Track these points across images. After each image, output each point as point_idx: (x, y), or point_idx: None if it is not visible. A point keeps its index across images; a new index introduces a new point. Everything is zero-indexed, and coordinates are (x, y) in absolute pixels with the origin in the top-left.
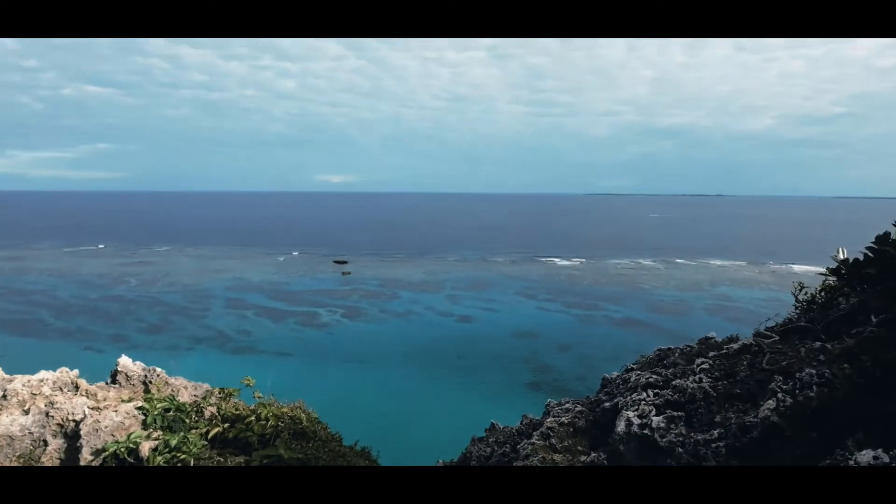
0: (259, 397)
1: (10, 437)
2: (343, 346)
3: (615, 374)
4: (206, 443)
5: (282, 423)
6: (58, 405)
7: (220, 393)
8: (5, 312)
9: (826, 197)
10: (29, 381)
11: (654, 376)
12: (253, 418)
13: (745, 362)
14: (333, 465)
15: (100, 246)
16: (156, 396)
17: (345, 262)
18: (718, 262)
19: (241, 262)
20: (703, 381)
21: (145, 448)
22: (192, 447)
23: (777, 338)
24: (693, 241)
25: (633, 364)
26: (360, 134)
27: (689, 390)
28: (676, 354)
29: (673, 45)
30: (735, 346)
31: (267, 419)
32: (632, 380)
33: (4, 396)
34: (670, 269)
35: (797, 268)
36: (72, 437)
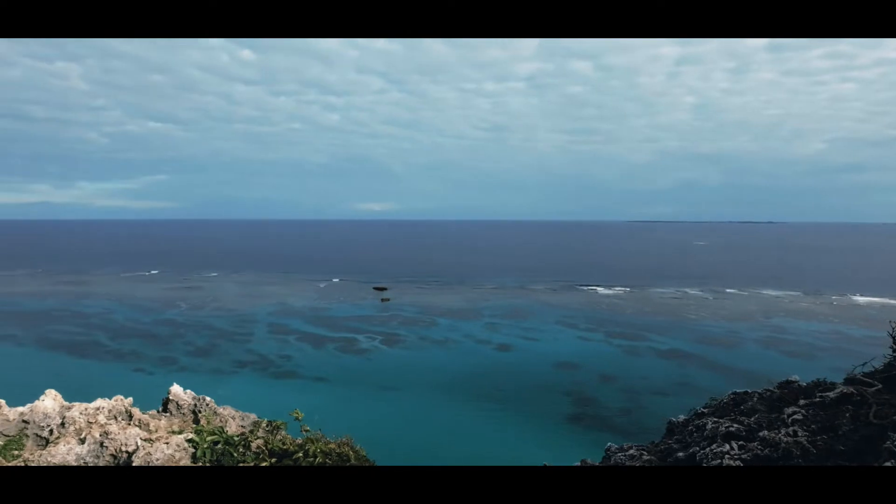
0: (307, 431)
1: (67, 466)
2: (381, 373)
3: (682, 417)
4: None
5: (329, 460)
6: (112, 435)
7: (267, 426)
8: (66, 334)
9: (888, 223)
10: (86, 408)
11: (734, 425)
12: (301, 454)
13: (846, 414)
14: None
15: (153, 271)
16: (205, 429)
17: (384, 289)
18: (772, 293)
19: (283, 287)
20: (799, 434)
21: None
22: None
23: (880, 386)
24: (743, 269)
25: (704, 408)
26: (399, 164)
27: (783, 445)
28: (755, 400)
29: (715, 72)
30: (831, 394)
31: (315, 455)
32: (708, 427)
33: (63, 424)
34: (719, 298)
35: (861, 299)
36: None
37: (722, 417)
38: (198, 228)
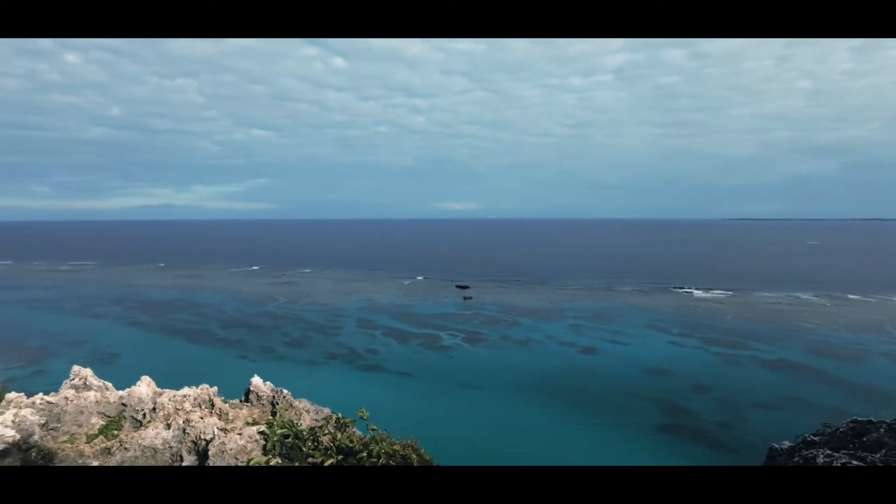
0: (373, 430)
1: (154, 449)
2: (463, 371)
3: (787, 444)
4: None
5: (393, 461)
6: (193, 423)
7: (336, 422)
8: (184, 322)
9: None
10: (174, 395)
11: (853, 462)
12: (364, 454)
13: None
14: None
15: (255, 267)
16: (276, 422)
17: (466, 287)
18: None
19: (370, 284)
20: None
21: None
22: None
23: None
24: (868, 273)
25: (815, 435)
26: (481, 163)
27: None
28: (882, 431)
29: (836, 52)
30: None
31: (378, 456)
32: (818, 461)
33: (154, 409)
34: (839, 305)
35: None
36: (202, 455)
37: (837, 451)
38: (293, 228)
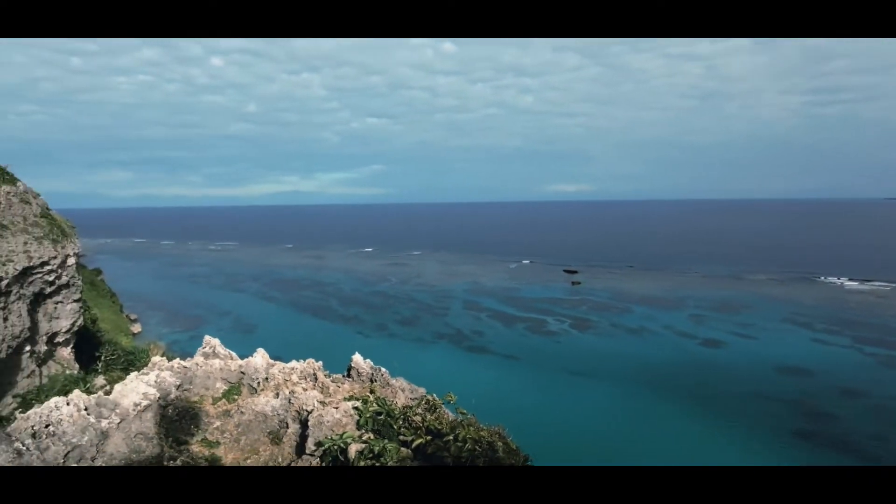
0: (462, 413)
1: (264, 414)
2: (569, 357)
3: None
4: (409, 453)
5: (479, 447)
6: (297, 394)
7: (426, 403)
8: (310, 299)
9: None
10: (283, 367)
11: None
12: (451, 437)
13: None
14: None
15: (369, 249)
16: (370, 399)
17: (575, 272)
18: None
19: (477, 267)
20: None
21: (353, 450)
22: (390, 459)
23: None
24: None
25: None
26: (594, 143)
27: None
28: None
29: None
30: None
31: (465, 441)
32: None
33: (266, 379)
34: None
35: None
36: (304, 424)
37: None
38: (405, 212)
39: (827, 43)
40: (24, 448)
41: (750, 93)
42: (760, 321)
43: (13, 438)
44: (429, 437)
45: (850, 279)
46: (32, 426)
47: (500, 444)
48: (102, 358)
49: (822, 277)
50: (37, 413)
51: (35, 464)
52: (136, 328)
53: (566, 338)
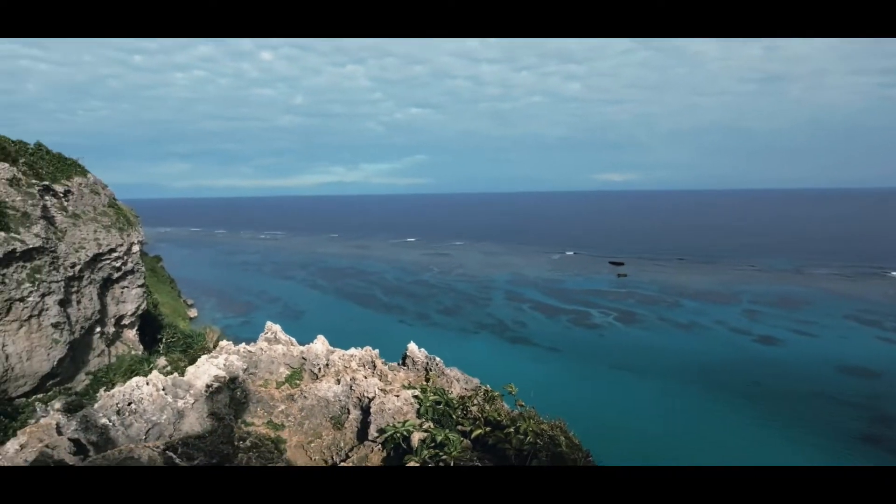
0: (521, 406)
1: (326, 400)
2: (613, 351)
3: None
4: (468, 443)
5: (540, 440)
6: (358, 381)
7: (484, 394)
8: (353, 287)
9: None
10: (343, 354)
11: None
12: (512, 430)
13: None
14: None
15: (411, 239)
16: (430, 388)
17: (620, 264)
18: None
19: (519, 258)
20: None
21: (415, 438)
22: (453, 449)
23: None
24: None
25: None
26: (644, 130)
27: None
28: None
29: None
30: None
31: (526, 434)
32: None
33: (327, 365)
34: None
35: None
36: (365, 411)
37: None
38: (447, 202)
39: None
40: (111, 424)
41: (814, 74)
42: (822, 318)
43: (100, 414)
44: (487, 429)
45: None
46: (117, 403)
47: (562, 438)
48: (163, 340)
49: (893, 273)
50: (120, 391)
51: (120, 440)
52: (193, 313)
53: (611, 331)
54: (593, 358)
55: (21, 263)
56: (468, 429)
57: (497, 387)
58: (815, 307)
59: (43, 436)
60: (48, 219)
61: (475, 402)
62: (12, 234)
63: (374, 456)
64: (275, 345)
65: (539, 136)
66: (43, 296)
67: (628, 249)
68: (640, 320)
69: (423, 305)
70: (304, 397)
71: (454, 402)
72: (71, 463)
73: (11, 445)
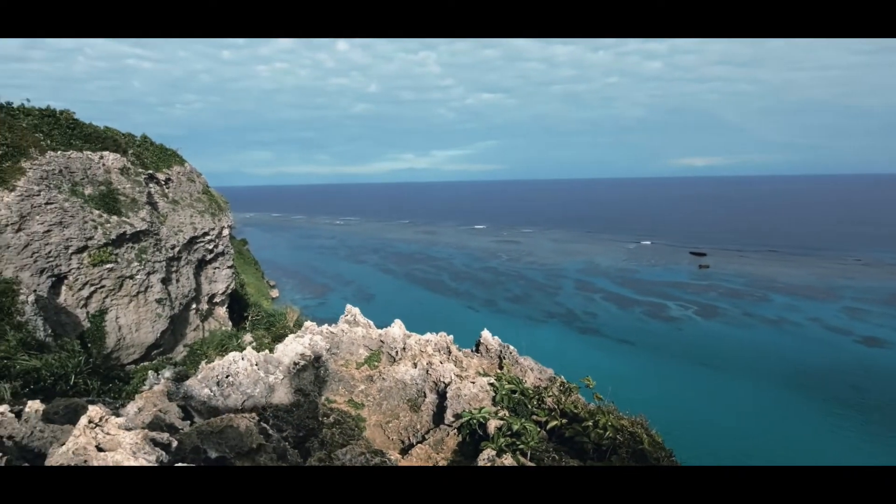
0: (599, 399)
1: (403, 382)
2: (692, 346)
3: None
4: (544, 434)
5: (620, 436)
6: (434, 366)
7: (560, 386)
8: (422, 272)
9: None
10: (419, 339)
11: None
12: (591, 423)
13: None
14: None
15: (480, 226)
16: (505, 376)
17: (703, 255)
18: None
19: (592, 246)
20: None
21: (492, 426)
22: (530, 439)
23: None
24: None
25: None
26: (732, 110)
27: None
28: None
29: None
30: None
31: (605, 428)
32: None
33: (404, 349)
34: None
35: None
36: (441, 396)
37: None
38: (518, 188)
39: None
40: (212, 394)
41: None
42: None
43: (203, 385)
44: (564, 421)
45: None
46: (216, 375)
47: (643, 435)
48: (249, 318)
49: None
50: (220, 364)
51: (220, 409)
52: (275, 293)
53: (690, 325)
54: (670, 353)
55: (130, 244)
56: (543, 419)
57: (570, 378)
58: None
59: (156, 401)
60: (152, 204)
61: (551, 392)
62: (123, 218)
63: (450, 440)
64: (354, 327)
65: (615, 118)
66: (148, 274)
67: (712, 239)
68: (724, 315)
69: (491, 292)
70: (383, 379)
71: (529, 391)
72: (179, 427)
73: (131, 408)
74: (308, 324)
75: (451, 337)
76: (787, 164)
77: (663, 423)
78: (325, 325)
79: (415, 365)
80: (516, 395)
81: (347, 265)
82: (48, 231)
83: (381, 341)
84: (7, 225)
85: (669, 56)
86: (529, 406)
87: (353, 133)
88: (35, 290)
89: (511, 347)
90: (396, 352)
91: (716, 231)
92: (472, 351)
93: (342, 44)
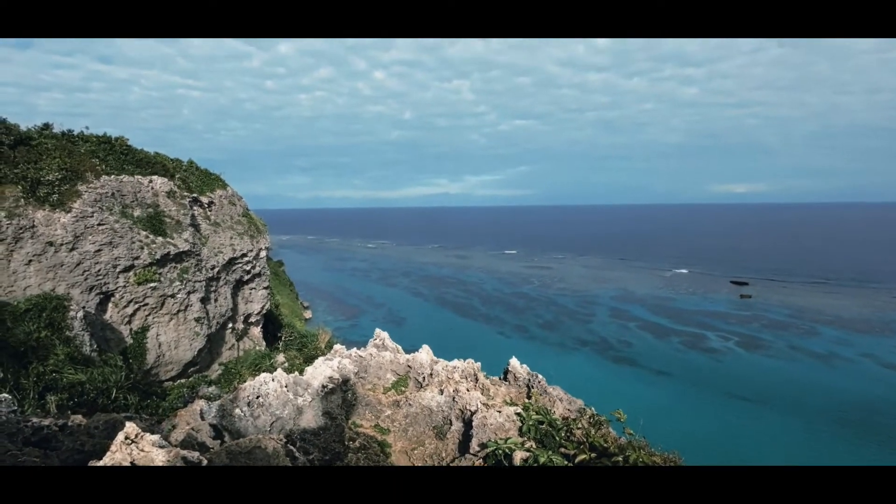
0: (630, 434)
1: (430, 409)
2: (733, 379)
3: None
4: (571, 466)
5: None
6: (461, 393)
7: (590, 418)
8: (453, 297)
9: None
10: (446, 365)
11: None
12: (620, 458)
13: None
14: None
15: (511, 251)
16: (532, 406)
17: (744, 284)
18: None
19: (626, 273)
20: None
21: (517, 457)
22: None
23: None
24: None
25: None
26: (774, 135)
27: None
28: None
29: None
30: None
31: (635, 464)
32: None
33: (431, 375)
34: None
35: None
36: (467, 424)
37: None
38: (551, 214)
39: None
40: (242, 414)
41: None
42: None
43: (234, 405)
44: (593, 455)
45: None
46: (248, 396)
47: None
48: (282, 338)
49: None
50: (251, 385)
51: (249, 430)
52: (308, 314)
53: (731, 357)
54: (708, 385)
55: (174, 265)
56: (571, 452)
57: (601, 409)
58: None
59: (190, 419)
60: (195, 226)
61: (580, 425)
62: (168, 239)
63: None
64: (383, 351)
65: (650, 143)
66: (189, 293)
67: (754, 268)
68: (766, 347)
69: (521, 318)
70: (409, 405)
71: (557, 422)
72: (210, 446)
73: (165, 425)
74: (337, 347)
75: (479, 364)
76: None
77: (698, 460)
78: (354, 349)
79: (441, 392)
80: (544, 425)
81: (379, 288)
82: (98, 250)
83: (409, 366)
84: (62, 244)
85: (707, 81)
86: (557, 438)
87: (388, 159)
88: (84, 307)
89: (540, 376)
90: (423, 377)
91: (757, 259)
92: (500, 379)
93: (379, 72)
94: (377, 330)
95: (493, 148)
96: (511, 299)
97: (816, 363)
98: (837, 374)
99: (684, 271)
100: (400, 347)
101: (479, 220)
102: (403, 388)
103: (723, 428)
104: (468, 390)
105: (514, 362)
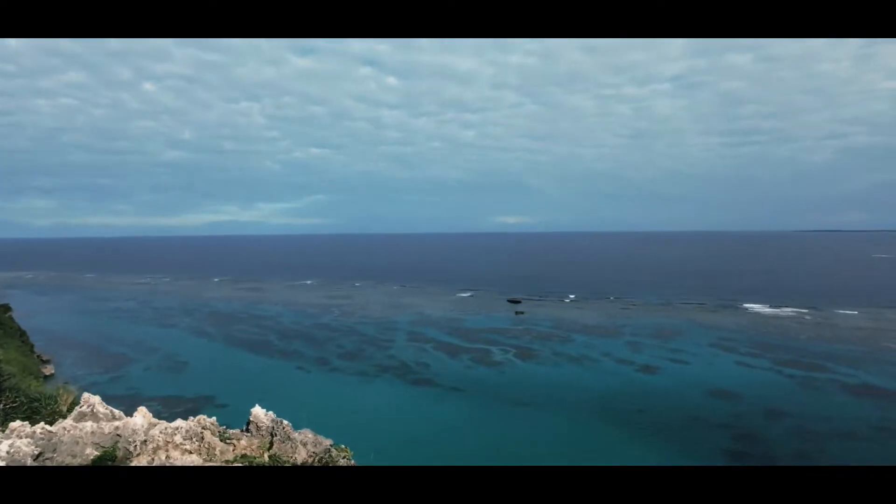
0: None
1: None
2: (514, 388)
3: None
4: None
5: None
6: (173, 459)
7: (319, 462)
8: (246, 333)
9: None
10: (166, 427)
11: None
12: None
13: None
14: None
15: (309, 281)
16: (257, 459)
17: (518, 302)
18: None
19: (422, 298)
20: None
21: None
22: None
23: None
24: None
25: None
26: (533, 176)
27: None
28: None
29: None
30: None
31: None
32: None
33: (145, 442)
34: None
35: None
36: None
37: None
38: (348, 242)
39: (740, 87)
40: None
41: (675, 132)
42: (691, 346)
43: None
44: None
45: (765, 305)
46: None
47: None
48: (1, 406)
49: (743, 304)
50: None
51: None
52: (49, 370)
53: (511, 368)
54: (495, 395)
55: None
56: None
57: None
58: (684, 337)
59: None
60: None
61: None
62: None
63: None
64: (82, 422)
65: (438, 179)
66: None
67: (525, 288)
68: (537, 355)
69: (322, 349)
70: None
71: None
72: None
73: None
74: (14, 425)
75: (214, 419)
76: (578, 222)
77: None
78: (41, 425)
79: (152, 460)
80: None
81: (152, 330)
82: None
83: (118, 435)
84: None
85: (481, 126)
86: None
87: (164, 182)
88: None
89: (285, 422)
90: (136, 446)
91: (528, 280)
92: (242, 430)
93: (149, 84)
94: (85, 394)
95: (289, 175)
96: (311, 331)
97: (572, 365)
98: (587, 372)
99: (470, 294)
100: (117, 412)
101: (274, 249)
102: (109, 462)
103: (503, 429)
104: (182, 455)
105: (257, 410)
